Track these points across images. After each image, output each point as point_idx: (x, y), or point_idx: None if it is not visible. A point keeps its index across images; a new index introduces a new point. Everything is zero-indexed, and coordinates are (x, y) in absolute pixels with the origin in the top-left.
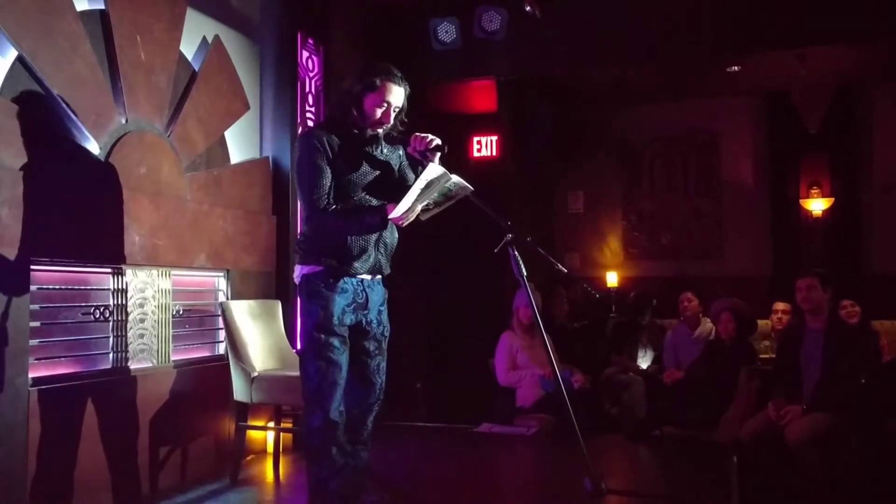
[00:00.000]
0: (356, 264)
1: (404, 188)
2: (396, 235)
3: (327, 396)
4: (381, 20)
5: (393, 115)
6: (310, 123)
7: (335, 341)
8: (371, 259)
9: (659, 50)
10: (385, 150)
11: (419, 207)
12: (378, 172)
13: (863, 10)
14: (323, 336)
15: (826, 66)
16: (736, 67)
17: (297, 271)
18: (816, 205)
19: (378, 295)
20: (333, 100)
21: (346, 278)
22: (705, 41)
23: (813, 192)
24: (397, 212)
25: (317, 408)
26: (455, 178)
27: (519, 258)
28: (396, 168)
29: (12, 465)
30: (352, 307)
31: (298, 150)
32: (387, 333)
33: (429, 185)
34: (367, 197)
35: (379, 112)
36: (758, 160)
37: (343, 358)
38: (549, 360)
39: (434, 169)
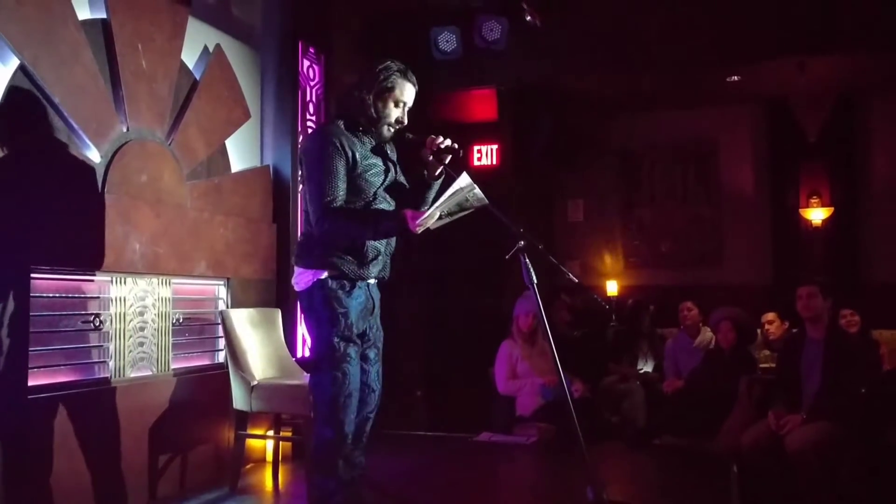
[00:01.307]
0: (371, 269)
1: (404, 189)
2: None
3: (344, 408)
4: (382, 29)
5: (405, 113)
6: (323, 124)
7: (352, 351)
8: (380, 263)
9: (658, 59)
10: (390, 151)
11: (436, 215)
12: (390, 172)
13: (862, 20)
14: (342, 344)
15: (825, 75)
16: (735, 77)
17: (310, 276)
18: (816, 214)
19: (378, 299)
20: (344, 98)
21: (359, 283)
22: (705, 50)
23: (812, 201)
24: (423, 220)
25: (332, 420)
26: (477, 191)
27: (530, 266)
28: (399, 168)
29: (10, 474)
30: (363, 313)
31: (312, 149)
32: (382, 339)
33: (453, 194)
34: (380, 197)
35: (396, 113)
36: (757, 169)
37: (357, 368)
38: (555, 367)
39: (464, 179)
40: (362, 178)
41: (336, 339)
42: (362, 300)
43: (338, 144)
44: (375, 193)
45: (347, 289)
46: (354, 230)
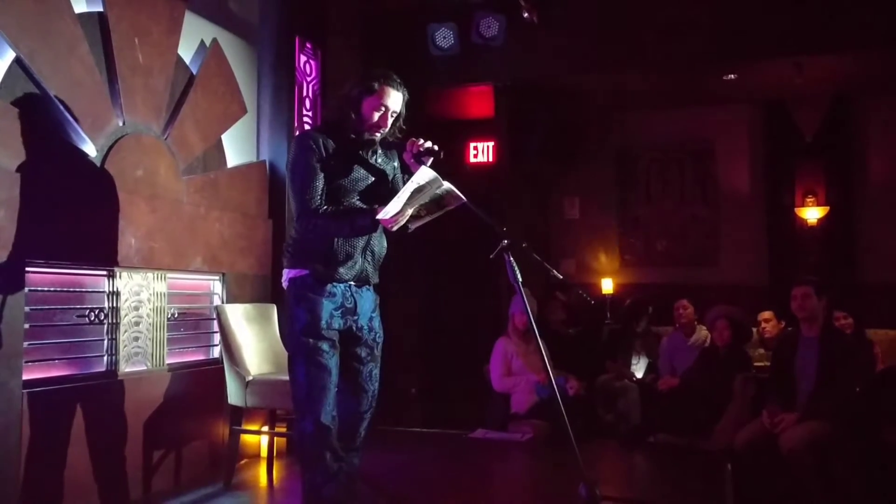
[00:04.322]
0: (341, 270)
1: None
2: (385, 245)
3: (318, 401)
4: (379, 25)
5: (390, 119)
6: (307, 127)
7: (324, 345)
8: (357, 266)
9: (656, 57)
10: (380, 159)
11: (409, 212)
12: (371, 179)
13: (859, 19)
14: (311, 340)
15: (822, 74)
16: (732, 75)
17: (285, 275)
18: (812, 213)
19: (368, 301)
20: (332, 103)
21: (333, 283)
22: (702, 49)
23: (808, 200)
24: (385, 213)
25: (308, 413)
26: (447, 186)
27: (515, 264)
28: (390, 177)
29: (4, 468)
30: (340, 311)
31: (293, 150)
32: (379, 340)
33: (419, 188)
34: (358, 203)
35: (376, 116)
36: (754, 168)
37: (332, 362)
38: (544, 366)
39: (425, 172)
40: (338, 183)
41: (302, 335)
42: (338, 300)
43: (313, 147)
44: (355, 198)
45: (318, 288)
46: (331, 227)
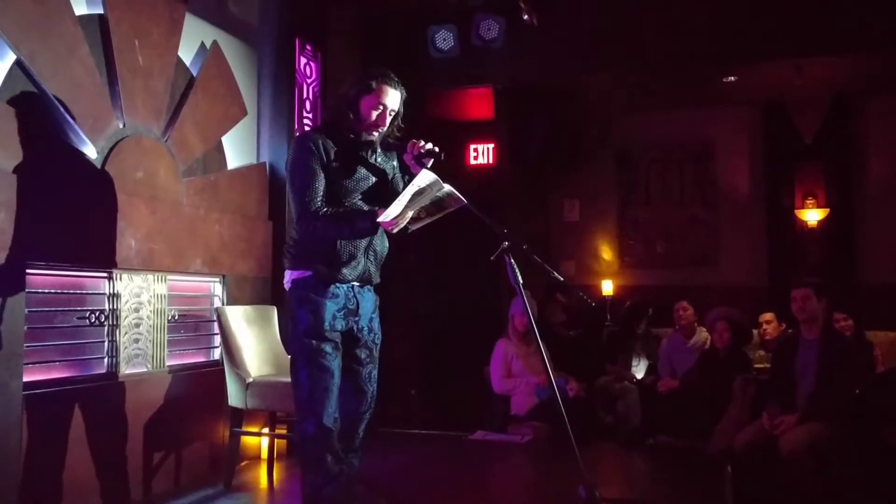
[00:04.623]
0: (345, 270)
1: (396, 196)
2: (387, 244)
3: (320, 403)
4: (379, 27)
5: (389, 118)
6: (307, 129)
7: (327, 347)
8: (360, 267)
9: (656, 59)
10: (380, 159)
11: (410, 214)
12: (372, 179)
13: (859, 21)
14: (314, 342)
15: (822, 76)
16: (732, 78)
17: (287, 276)
18: (811, 215)
19: (369, 302)
20: (331, 104)
21: (336, 283)
22: (702, 51)
23: (808, 202)
24: (386, 216)
25: (310, 414)
26: (447, 188)
27: (515, 266)
28: (390, 177)
29: (4, 470)
30: (342, 313)
31: (293, 152)
32: (378, 341)
33: (420, 191)
34: (360, 203)
35: (374, 115)
36: (753, 169)
37: (335, 364)
38: (544, 367)
39: (426, 175)
40: (339, 184)
41: (307, 337)
42: (340, 301)
43: (313, 148)
44: (356, 199)
45: (320, 289)
46: (331, 229)
